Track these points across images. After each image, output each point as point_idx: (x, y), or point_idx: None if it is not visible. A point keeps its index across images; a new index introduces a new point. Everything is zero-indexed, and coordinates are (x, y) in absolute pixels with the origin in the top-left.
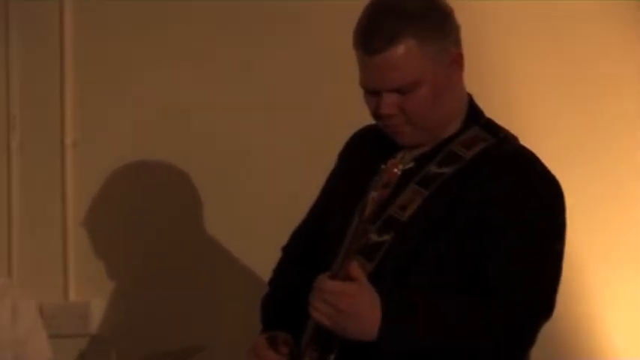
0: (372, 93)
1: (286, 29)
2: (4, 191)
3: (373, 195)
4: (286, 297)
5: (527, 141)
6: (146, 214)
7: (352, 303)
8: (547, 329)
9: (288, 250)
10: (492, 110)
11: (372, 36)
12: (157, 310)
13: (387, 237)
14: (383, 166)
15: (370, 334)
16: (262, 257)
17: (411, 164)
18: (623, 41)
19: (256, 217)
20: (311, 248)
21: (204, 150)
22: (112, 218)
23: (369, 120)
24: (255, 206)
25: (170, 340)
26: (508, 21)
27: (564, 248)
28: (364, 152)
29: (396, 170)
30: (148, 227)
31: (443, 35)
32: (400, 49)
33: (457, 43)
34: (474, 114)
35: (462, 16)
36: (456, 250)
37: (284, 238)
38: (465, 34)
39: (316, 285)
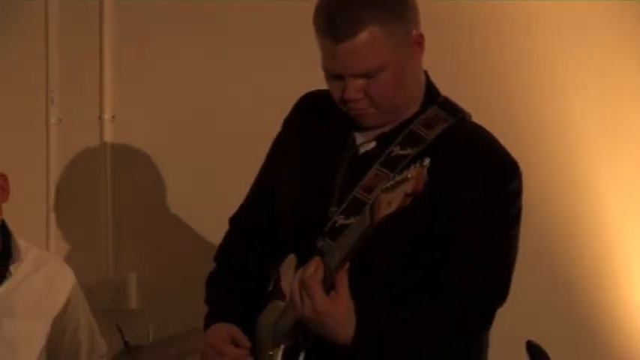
0: (336, 78)
1: None
2: (42, 166)
3: (388, 199)
4: (238, 281)
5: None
6: (184, 189)
7: (316, 317)
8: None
9: (236, 222)
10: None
11: (335, 22)
12: (194, 285)
13: (353, 220)
14: (406, 173)
15: (341, 340)
16: None
17: (373, 144)
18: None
19: None
20: (261, 223)
21: (240, 126)
22: (149, 193)
23: None
24: None
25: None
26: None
27: (519, 232)
28: (316, 123)
29: (422, 181)
30: (186, 202)
31: (404, 18)
32: (365, 36)
33: (417, 24)
34: (431, 92)
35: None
36: (420, 233)
37: None
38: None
39: (305, 276)
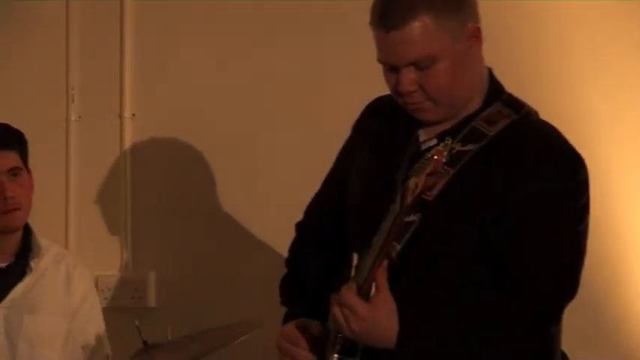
0: (391, 70)
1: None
2: (62, 164)
3: (415, 182)
4: (309, 282)
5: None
6: (203, 188)
7: (364, 325)
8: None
9: (304, 227)
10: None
11: (387, 12)
12: (213, 284)
13: (414, 217)
14: (428, 155)
15: (388, 344)
16: None
17: (434, 141)
18: None
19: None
20: (328, 225)
21: (260, 124)
22: (169, 192)
23: None
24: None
25: (226, 315)
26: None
27: (588, 227)
28: (383, 124)
29: (443, 159)
30: (206, 200)
31: (459, 10)
32: (416, 25)
33: (474, 17)
34: (494, 89)
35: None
36: (482, 232)
37: None
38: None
39: (339, 295)
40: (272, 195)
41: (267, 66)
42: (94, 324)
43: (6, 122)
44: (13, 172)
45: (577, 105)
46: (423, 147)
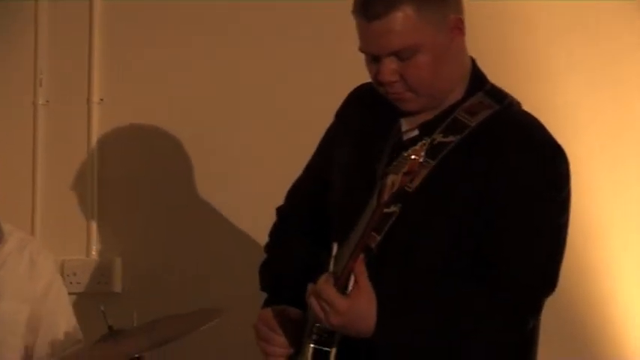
0: (373, 60)
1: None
2: (29, 149)
3: (392, 179)
4: (290, 268)
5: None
6: (171, 173)
7: (342, 319)
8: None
9: (284, 212)
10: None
11: (370, 2)
12: (179, 270)
13: (394, 208)
14: (404, 154)
15: (367, 334)
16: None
17: (416, 132)
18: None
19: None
20: (310, 212)
21: (232, 112)
22: (136, 177)
23: None
24: (280, 163)
25: (191, 302)
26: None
27: (569, 220)
28: (365, 114)
29: (419, 159)
30: (173, 186)
31: (442, 1)
32: (398, 15)
33: (458, 8)
34: (477, 79)
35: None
36: (462, 223)
37: None
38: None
39: (317, 286)
40: (239, 181)
41: (235, 54)
42: (62, 311)
43: None
44: None
45: (558, 101)
46: (405, 137)
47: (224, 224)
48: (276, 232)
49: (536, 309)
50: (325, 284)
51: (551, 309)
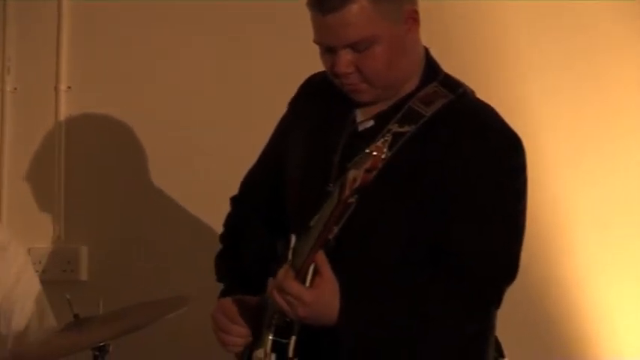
0: (328, 51)
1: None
2: None
3: (354, 174)
4: (246, 258)
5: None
6: (137, 162)
7: (310, 310)
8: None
9: (239, 202)
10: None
11: None
12: (145, 258)
13: (352, 199)
14: (367, 151)
15: (329, 323)
16: None
17: (371, 122)
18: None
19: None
20: (264, 201)
21: (197, 100)
22: (104, 165)
23: None
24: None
25: (158, 290)
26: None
27: (526, 209)
28: (319, 104)
29: (382, 155)
30: (140, 175)
31: None
32: (353, 8)
33: (412, 0)
34: (431, 69)
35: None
36: (419, 213)
37: None
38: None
39: (278, 281)
40: (206, 171)
41: (203, 40)
42: (34, 298)
43: None
44: None
45: (532, 96)
46: (360, 128)
47: (190, 213)
48: (230, 221)
49: (496, 297)
50: (287, 278)
51: (526, 308)
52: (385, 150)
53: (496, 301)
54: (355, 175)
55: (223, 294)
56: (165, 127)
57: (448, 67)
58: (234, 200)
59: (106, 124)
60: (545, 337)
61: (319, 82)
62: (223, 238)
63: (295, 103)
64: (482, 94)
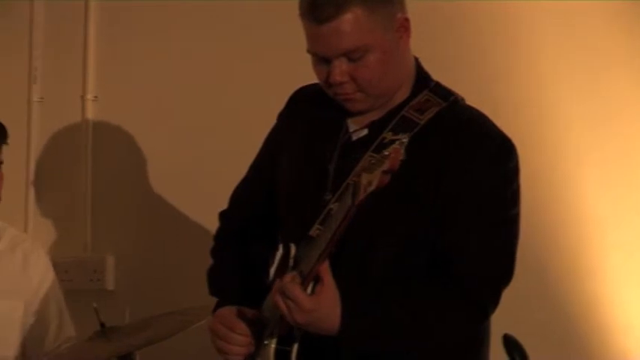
0: (322, 61)
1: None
2: (23, 145)
3: (368, 178)
4: (238, 271)
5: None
6: (164, 171)
7: (308, 317)
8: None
9: (229, 216)
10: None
11: (318, 4)
12: (172, 267)
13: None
14: (386, 153)
15: (331, 332)
16: None
17: (365, 131)
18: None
19: None
20: (254, 215)
21: (228, 109)
22: (129, 175)
23: None
24: None
25: (184, 299)
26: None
27: (520, 213)
28: (309, 115)
29: (400, 157)
30: (166, 184)
31: (389, 1)
32: (348, 17)
33: (403, 8)
34: (422, 78)
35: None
36: (417, 220)
37: None
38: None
39: (282, 284)
40: (234, 179)
41: (232, 52)
42: (54, 307)
43: None
44: None
45: (549, 104)
46: (354, 137)
47: (217, 222)
48: (221, 235)
49: (495, 299)
50: (291, 283)
51: (546, 310)
52: (403, 152)
53: (494, 302)
54: (370, 179)
55: (217, 308)
56: (193, 136)
57: (479, 69)
58: (223, 215)
59: (133, 133)
60: (571, 344)
61: (307, 94)
62: (214, 252)
63: (284, 116)
64: (513, 97)
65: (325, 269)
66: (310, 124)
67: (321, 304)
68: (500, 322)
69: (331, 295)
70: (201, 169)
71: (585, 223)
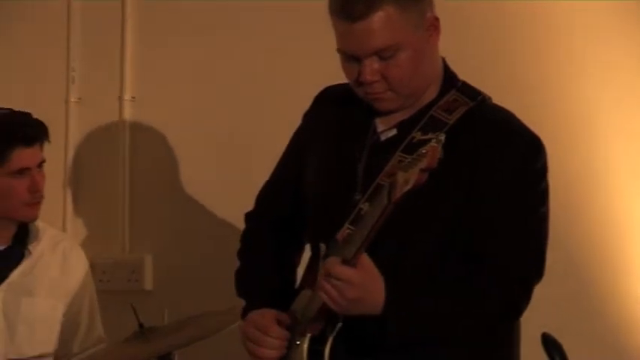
0: (352, 60)
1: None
2: (61, 145)
3: (404, 177)
4: (264, 273)
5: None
6: (202, 171)
7: (358, 292)
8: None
9: (255, 217)
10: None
11: (350, 3)
12: (210, 267)
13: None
14: (423, 151)
15: (376, 309)
16: None
17: (394, 131)
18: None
19: None
20: (280, 216)
21: (259, 109)
22: (167, 175)
23: None
24: None
25: (222, 299)
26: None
27: (549, 209)
28: (335, 115)
29: (438, 155)
30: (204, 184)
31: (419, 0)
32: (380, 16)
33: (432, 7)
34: (449, 78)
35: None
36: (450, 220)
37: None
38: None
39: (326, 268)
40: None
41: (267, 54)
42: (88, 307)
43: (8, 106)
44: (40, 164)
45: (580, 105)
46: (383, 137)
47: None
48: (247, 237)
49: (527, 296)
50: (336, 264)
51: (581, 309)
52: (440, 149)
53: (526, 299)
54: (406, 178)
55: (246, 310)
56: (230, 136)
57: (522, 70)
58: (249, 216)
59: (170, 133)
60: (606, 343)
61: (333, 94)
62: (241, 254)
63: (310, 116)
64: (558, 99)
65: (364, 257)
66: (338, 124)
67: (369, 278)
68: (536, 321)
69: (376, 273)
70: (238, 169)
71: (620, 222)
